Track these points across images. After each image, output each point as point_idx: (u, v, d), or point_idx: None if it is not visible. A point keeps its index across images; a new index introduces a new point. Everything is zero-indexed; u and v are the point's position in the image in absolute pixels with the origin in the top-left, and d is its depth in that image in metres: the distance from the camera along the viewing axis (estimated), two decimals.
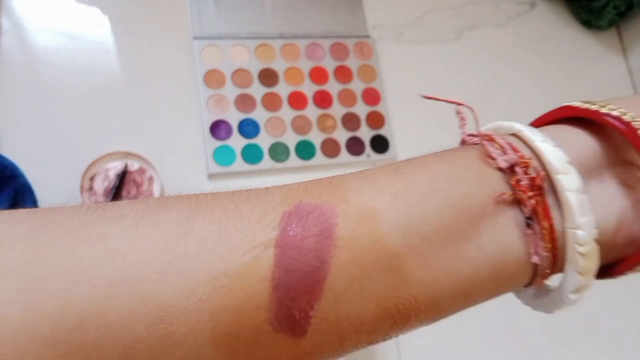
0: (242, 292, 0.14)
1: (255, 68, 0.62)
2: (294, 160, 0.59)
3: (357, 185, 0.16)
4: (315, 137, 0.61)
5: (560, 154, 0.17)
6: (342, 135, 0.62)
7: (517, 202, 0.17)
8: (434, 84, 0.66)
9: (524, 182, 0.16)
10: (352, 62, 0.65)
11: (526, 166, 0.17)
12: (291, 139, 0.60)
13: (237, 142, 0.58)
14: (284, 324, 0.15)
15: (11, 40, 0.56)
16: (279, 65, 0.63)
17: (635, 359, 0.61)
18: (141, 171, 0.53)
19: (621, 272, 0.18)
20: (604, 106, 0.18)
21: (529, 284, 0.18)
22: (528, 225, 0.17)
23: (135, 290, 0.14)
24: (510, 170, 0.17)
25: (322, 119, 0.62)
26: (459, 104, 0.19)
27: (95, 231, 0.14)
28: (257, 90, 0.61)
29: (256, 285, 0.14)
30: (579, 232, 0.16)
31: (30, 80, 0.55)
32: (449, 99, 0.19)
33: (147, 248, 0.14)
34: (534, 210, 0.16)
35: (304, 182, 0.17)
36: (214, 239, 0.15)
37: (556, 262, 0.17)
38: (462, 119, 0.19)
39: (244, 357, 0.15)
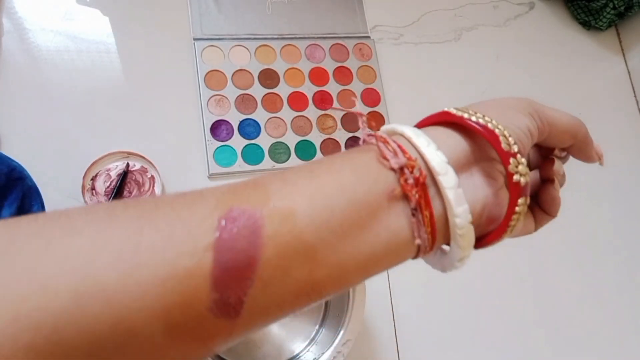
0: (188, 290, 0.17)
1: (255, 69, 0.62)
2: (294, 160, 0.59)
3: (278, 188, 0.20)
4: (316, 138, 0.61)
5: (440, 156, 0.21)
6: (342, 136, 0.62)
7: (405, 197, 0.21)
8: (433, 84, 0.67)
9: (410, 180, 0.21)
10: (352, 63, 0.65)
11: (412, 167, 0.21)
12: (291, 140, 0.60)
13: (237, 142, 0.58)
14: (222, 311, 0.18)
15: (12, 41, 0.56)
16: (279, 66, 0.63)
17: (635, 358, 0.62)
18: (142, 171, 0.53)
19: (488, 244, 0.23)
20: (470, 113, 0.23)
21: (414, 257, 0.23)
22: (413, 215, 0.21)
23: (99, 298, 0.16)
24: (400, 171, 0.21)
25: (322, 119, 0.62)
26: (360, 114, 0.24)
27: (58, 248, 0.17)
28: (258, 91, 0.61)
29: (199, 283, 0.17)
30: (457, 220, 0.21)
31: (31, 81, 0.56)
32: (351, 110, 0.23)
33: (105, 261, 0.17)
34: (418, 203, 0.21)
35: (233, 184, 0.21)
36: (161, 249, 0.18)
37: (434, 242, 0.22)
38: (363, 121, 0.24)
39: (189, 339, 0.18)
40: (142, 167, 0.53)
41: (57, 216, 0.18)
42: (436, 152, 0.21)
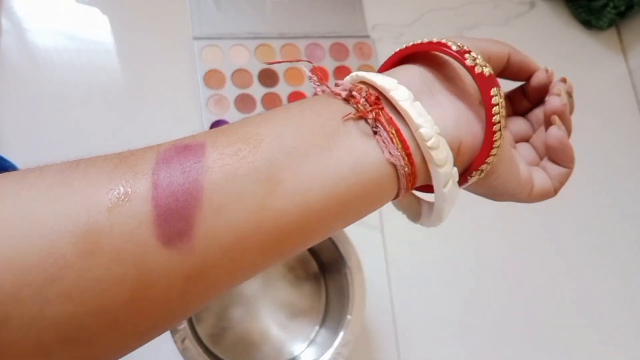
0: (125, 211, 0.16)
1: (255, 68, 0.62)
2: None
3: (225, 127, 0.19)
4: None
5: (389, 79, 0.20)
6: None
7: (362, 118, 0.20)
8: None
9: (362, 100, 0.20)
10: (352, 62, 0.65)
11: (361, 90, 0.20)
12: None
13: None
14: (170, 237, 0.16)
15: (11, 40, 0.56)
16: (279, 65, 0.63)
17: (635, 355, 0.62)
18: None
19: (480, 164, 0.22)
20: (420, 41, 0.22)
21: (399, 192, 0.21)
22: (375, 133, 0.20)
23: (26, 224, 0.15)
24: (350, 97, 0.20)
25: None
26: (299, 60, 0.24)
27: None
28: (257, 91, 0.61)
29: (138, 205, 0.16)
30: (422, 130, 0.19)
31: (29, 81, 0.55)
32: (290, 59, 0.23)
33: (35, 191, 0.16)
34: (378, 120, 0.20)
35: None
36: (95, 175, 0.17)
37: (413, 162, 0.20)
38: (314, 75, 0.23)
39: (136, 272, 0.16)
40: None
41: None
42: (384, 77, 0.21)
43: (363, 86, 0.21)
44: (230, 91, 0.60)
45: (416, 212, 0.25)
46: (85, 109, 0.56)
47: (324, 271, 0.52)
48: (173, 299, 0.17)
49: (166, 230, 0.16)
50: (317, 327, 0.50)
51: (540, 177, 0.26)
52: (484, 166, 0.22)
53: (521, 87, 0.30)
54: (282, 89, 0.62)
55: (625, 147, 0.71)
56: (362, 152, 0.19)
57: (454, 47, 0.21)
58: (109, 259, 0.16)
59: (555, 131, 0.25)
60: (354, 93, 0.20)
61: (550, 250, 0.64)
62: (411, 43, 0.23)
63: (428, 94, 0.22)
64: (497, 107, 0.21)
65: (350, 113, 0.20)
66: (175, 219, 0.16)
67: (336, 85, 0.22)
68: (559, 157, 0.26)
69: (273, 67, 0.62)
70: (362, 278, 0.46)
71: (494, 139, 0.21)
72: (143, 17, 0.61)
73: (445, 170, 0.20)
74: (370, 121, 0.20)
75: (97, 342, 0.16)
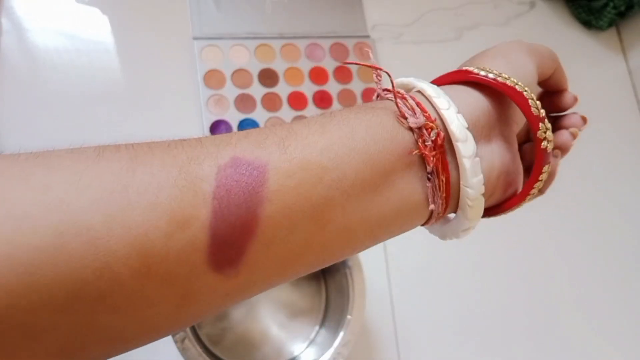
0: (183, 238, 0.16)
1: (255, 68, 0.62)
2: None
3: (287, 139, 0.18)
4: None
5: (460, 120, 0.20)
6: None
7: (422, 159, 0.20)
8: None
9: (429, 142, 0.20)
10: None
11: (431, 129, 0.20)
12: None
13: None
14: (220, 264, 0.17)
15: (11, 40, 0.56)
16: (279, 66, 0.63)
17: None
18: None
19: (506, 210, 0.23)
20: (490, 71, 0.22)
21: (424, 224, 0.22)
22: (429, 179, 0.20)
23: (81, 238, 0.15)
24: (418, 131, 0.20)
25: None
26: (377, 68, 0.22)
27: (39, 182, 0.15)
28: (257, 91, 0.61)
29: (196, 232, 0.16)
30: (470, 191, 0.20)
31: (29, 81, 0.55)
32: (367, 64, 0.22)
33: (90, 199, 0.15)
34: (435, 166, 0.20)
35: (235, 134, 0.18)
36: (155, 190, 0.16)
37: (447, 208, 0.21)
38: (378, 75, 0.22)
39: (182, 294, 0.16)
40: None
41: (40, 153, 0.17)
42: (457, 115, 0.20)
43: (433, 125, 0.20)
44: (230, 91, 0.60)
45: None
46: (85, 109, 0.56)
47: (324, 271, 0.52)
48: (209, 310, 0.18)
49: (218, 258, 0.16)
50: (317, 327, 0.50)
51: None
52: (501, 215, 0.23)
53: (542, 92, 0.30)
54: (282, 89, 0.62)
55: (625, 147, 0.71)
56: (408, 196, 0.20)
57: (533, 109, 0.21)
58: (160, 281, 0.16)
59: (554, 165, 0.26)
60: (424, 131, 0.20)
61: (551, 249, 0.64)
62: (492, 75, 0.22)
63: (486, 139, 0.22)
64: (540, 182, 0.22)
65: (413, 152, 0.20)
66: (228, 248, 0.17)
67: (402, 97, 0.21)
68: (542, 185, 0.27)
69: (273, 67, 0.62)
70: (362, 278, 0.46)
71: (524, 201, 0.22)
72: (143, 17, 0.61)
73: (471, 224, 0.21)
74: (428, 167, 0.20)
75: (133, 342, 0.17)
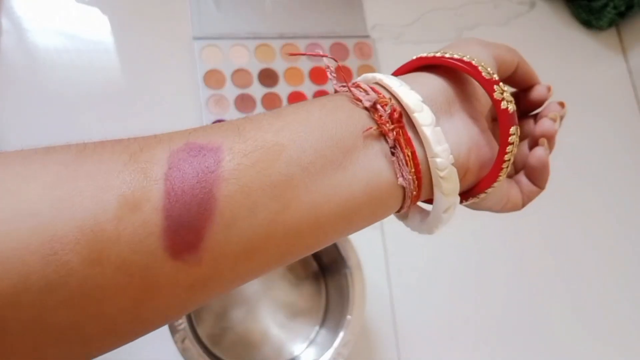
0: (135, 221, 0.15)
1: (255, 68, 0.62)
2: None
3: (241, 125, 0.18)
4: None
5: (414, 94, 0.20)
6: None
7: (382, 135, 0.20)
8: None
9: (385, 117, 0.19)
10: (352, 62, 0.65)
11: (385, 104, 0.20)
12: None
13: None
14: (179, 250, 0.16)
15: (11, 40, 0.56)
16: (279, 66, 0.63)
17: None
18: None
19: (480, 192, 0.22)
20: (443, 52, 0.22)
21: (401, 208, 0.21)
22: (393, 154, 0.20)
23: (26, 224, 0.14)
24: (373, 109, 0.20)
25: None
26: (323, 56, 0.22)
27: None
28: (257, 91, 0.61)
29: (149, 214, 0.15)
30: (438, 160, 0.20)
31: (29, 81, 0.55)
32: (312, 53, 0.22)
33: (38, 186, 0.15)
34: (397, 140, 0.19)
35: (192, 127, 0.18)
36: (104, 175, 0.16)
37: (421, 185, 0.20)
38: (332, 72, 0.22)
39: (140, 282, 0.16)
40: None
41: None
42: (409, 91, 0.20)
43: (387, 100, 0.20)
44: (230, 91, 0.60)
45: (404, 214, 0.25)
46: (86, 109, 0.56)
47: (324, 271, 0.52)
48: (173, 306, 0.17)
49: (175, 242, 0.16)
50: (317, 327, 0.50)
51: (514, 192, 0.26)
52: (482, 195, 0.23)
53: (516, 92, 0.30)
54: (282, 89, 0.62)
55: (625, 147, 0.71)
56: (375, 172, 0.19)
57: (485, 74, 0.21)
58: (114, 269, 0.15)
59: (540, 153, 0.26)
60: (378, 107, 0.20)
61: (551, 250, 0.64)
62: (439, 53, 0.22)
63: (447, 113, 0.21)
64: (512, 146, 0.21)
65: (371, 128, 0.19)
66: (185, 231, 0.16)
67: (357, 86, 0.21)
68: (536, 177, 0.26)
69: (273, 67, 0.62)
70: (362, 278, 0.46)
71: (500, 174, 0.22)
72: (143, 17, 0.61)
73: (450, 199, 0.21)
74: (389, 141, 0.20)
75: (93, 343, 0.16)
